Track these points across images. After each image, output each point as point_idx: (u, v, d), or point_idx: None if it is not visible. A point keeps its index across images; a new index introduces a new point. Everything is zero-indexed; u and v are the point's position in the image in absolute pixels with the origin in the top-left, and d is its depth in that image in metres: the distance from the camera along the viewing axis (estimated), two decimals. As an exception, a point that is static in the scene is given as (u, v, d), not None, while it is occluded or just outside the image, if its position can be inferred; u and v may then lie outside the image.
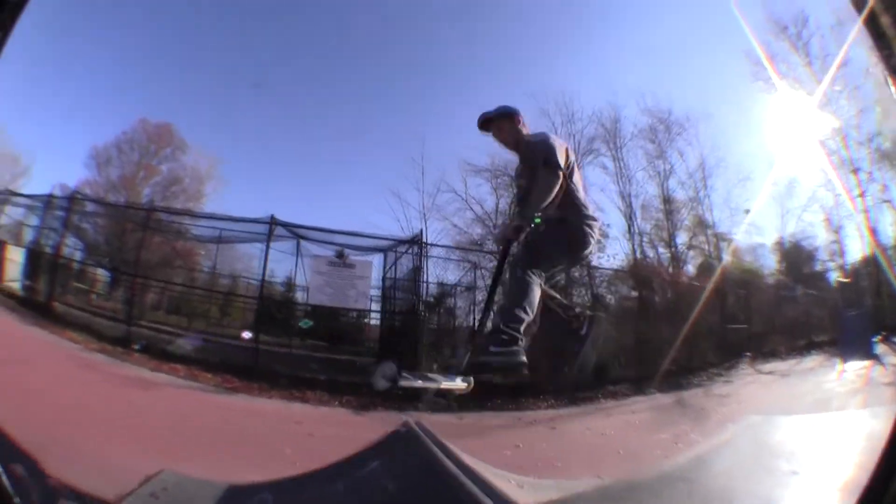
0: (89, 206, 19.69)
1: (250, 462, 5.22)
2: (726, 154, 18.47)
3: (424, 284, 13.56)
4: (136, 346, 11.81)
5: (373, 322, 18.70)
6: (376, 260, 15.22)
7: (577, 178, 4.30)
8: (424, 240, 14.05)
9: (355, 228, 14.70)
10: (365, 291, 11.82)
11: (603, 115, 19.44)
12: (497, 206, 18.53)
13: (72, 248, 20.07)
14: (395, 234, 14.97)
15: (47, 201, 18.42)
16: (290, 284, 17.05)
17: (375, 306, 15.95)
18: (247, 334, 14.11)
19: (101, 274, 23.68)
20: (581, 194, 4.26)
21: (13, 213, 24.19)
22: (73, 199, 18.42)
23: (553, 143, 4.13)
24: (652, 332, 14.05)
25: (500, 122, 4.48)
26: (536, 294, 4.02)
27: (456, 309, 16.04)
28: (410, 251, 14.12)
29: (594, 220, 4.34)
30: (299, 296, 19.53)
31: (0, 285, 18.45)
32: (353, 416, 8.37)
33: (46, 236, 20.08)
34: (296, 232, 14.39)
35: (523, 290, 3.96)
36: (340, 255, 12.21)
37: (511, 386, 10.46)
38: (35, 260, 20.85)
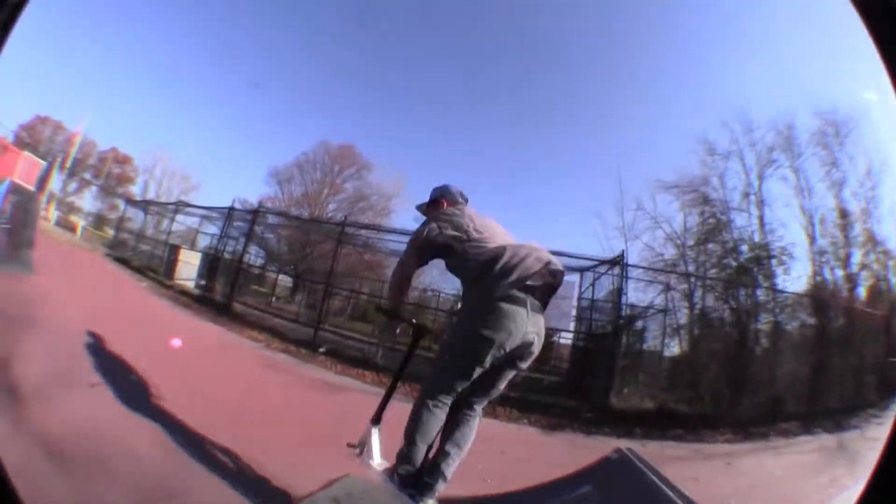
0: (271, 219, 21.01)
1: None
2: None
3: (624, 307, 13.08)
4: (322, 349, 12.10)
5: (561, 341, 18.72)
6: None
7: (485, 233, 3.34)
8: (625, 261, 13.42)
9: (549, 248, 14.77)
10: (568, 312, 11.70)
11: (778, 122, 18.14)
12: (685, 224, 17.91)
13: (251, 255, 21.59)
14: (595, 255, 14.39)
15: (228, 212, 19.84)
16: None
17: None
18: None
19: (282, 279, 24.95)
20: (485, 256, 3.16)
21: (186, 221, 26.35)
22: (257, 212, 19.62)
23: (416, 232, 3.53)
24: (825, 364, 12.85)
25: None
26: (433, 429, 3.27)
27: (646, 332, 15.18)
28: (610, 272, 13.71)
29: (506, 295, 3.03)
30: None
31: (172, 283, 19.99)
32: (543, 435, 8.15)
33: (224, 243, 21.55)
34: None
35: (415, 422, 3.27)
36: (544, 275, 12.32)
37: (693, 416, 10.35)
38: (211, 263, 22.26)
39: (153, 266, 24.24)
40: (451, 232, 3.27)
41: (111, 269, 20.42)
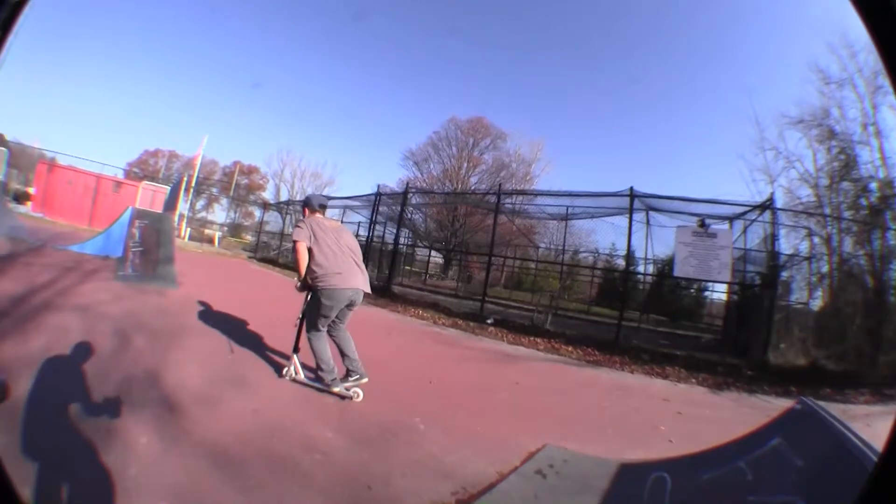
0: (415, 199, 20.75)
1: (626, 437, 4.97)
2: None
3: (777, 254, 11.98)
4: (489, 321, 12.10)
5: (714, 296, 17.43)
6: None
7: (322, 243, 5.20)
8: (774, 204, 12.33)
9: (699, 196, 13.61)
10: (726, 262, 10.76)
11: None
12: (815, 162, 16.01)
13: (400, 236, 21.13)
14: (744, 200, 13.44)
15: (376, 198, 19.82)
16: (632, 257, 16.46)
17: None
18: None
19: (434, 257, 25.17)
20: (318, 256, 5.15)
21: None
22: (405, 193, 19.57)
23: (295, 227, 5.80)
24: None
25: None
26: (321, 345, 5.18)
27: (793, 283, 13.87)
28: (761, 218, 12.62)
29: (321, 274, 5.12)
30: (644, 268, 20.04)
31: None
32: (712, 395, 7.78)
33: (371, 228, 21.64)
34: (648, 203, 13.97)
35: (312, 348, 5.20)
36: (702, 225, 11.30)
37: (838, 374, 9.50)
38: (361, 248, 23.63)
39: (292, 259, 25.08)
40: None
41: (256, 269, 21.67)
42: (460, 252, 30.72)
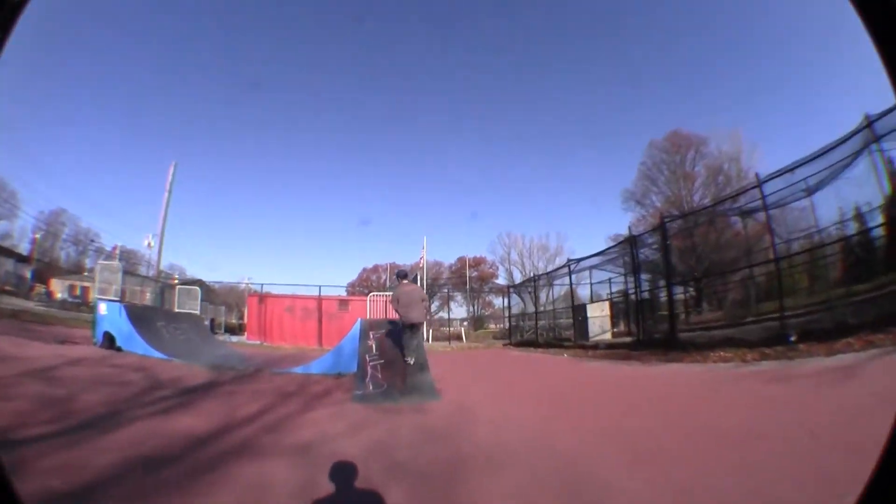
0: (648, 239, 19.08)
1: None
2: None
3: None
4: (792, 338, 10.07)
5: None
6: None
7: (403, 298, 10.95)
8: None
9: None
10: None
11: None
12: None
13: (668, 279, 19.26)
14: None
15: (630, 243, 18.60)
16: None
17: None
18: None
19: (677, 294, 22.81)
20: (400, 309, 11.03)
21: (565, 282, 26.45)
22: (633, 240, 18.37)
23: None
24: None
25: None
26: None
27: None
28: None
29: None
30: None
31: (590, 342, 20.00)
32: None
33: (634, 279, 20.10)
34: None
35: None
36: None
37: None
38: (619, 306, 22.04)
39: (559, 336, 23.91)
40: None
41: (518, 355, 20.04)
42: (713, 277, 27.47)
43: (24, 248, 58.90)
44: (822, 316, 11.47)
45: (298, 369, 12.53)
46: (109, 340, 15.10)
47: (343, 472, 4.39)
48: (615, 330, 21.49)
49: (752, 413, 5.90)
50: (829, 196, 13.80)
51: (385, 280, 69.37)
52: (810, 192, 13.72)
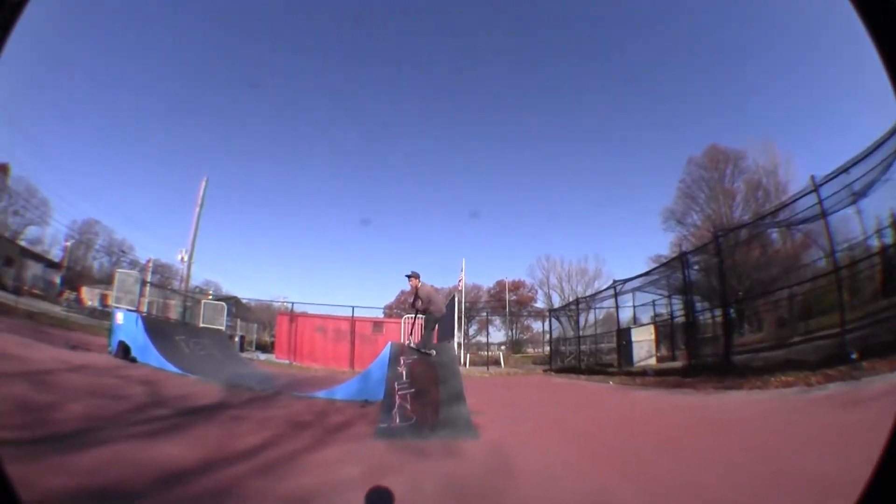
0: (691, 259, 17.85)
1: None
2: None
3: None
4: (853, 357, 9.22)
5: None
6: None
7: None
8: None
9: None
10: None
11: None
12: None
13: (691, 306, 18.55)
14: None
15: (682, 261, 17.56)
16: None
17: None
18: None
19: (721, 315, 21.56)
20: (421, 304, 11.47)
21: (604, 304, 25.72)
22: (684, 258, 17.42)
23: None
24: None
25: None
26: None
27: None
28: None
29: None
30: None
31: (635, 368, 19.00)
32: None
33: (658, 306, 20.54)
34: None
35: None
36: None
37: None
38: (665, 330, 21.00)
39: (600, 361, 22.83)
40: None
41: (562, 383, 19.10)
42: (756, 296, 25.94)
43: (55, 255, 60.41)
44: (877, 329, 10.43)
45: (321, 394, 11.66)
46: (124, 350, 14.79)
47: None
48: (658, 354, 20.55)
49: (841, 449, 4.73)
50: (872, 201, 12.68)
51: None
52: (857, 196, 12.53)
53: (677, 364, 17.31)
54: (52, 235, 63.61)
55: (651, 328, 21.07)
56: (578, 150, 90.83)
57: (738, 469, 4.92)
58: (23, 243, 54.47)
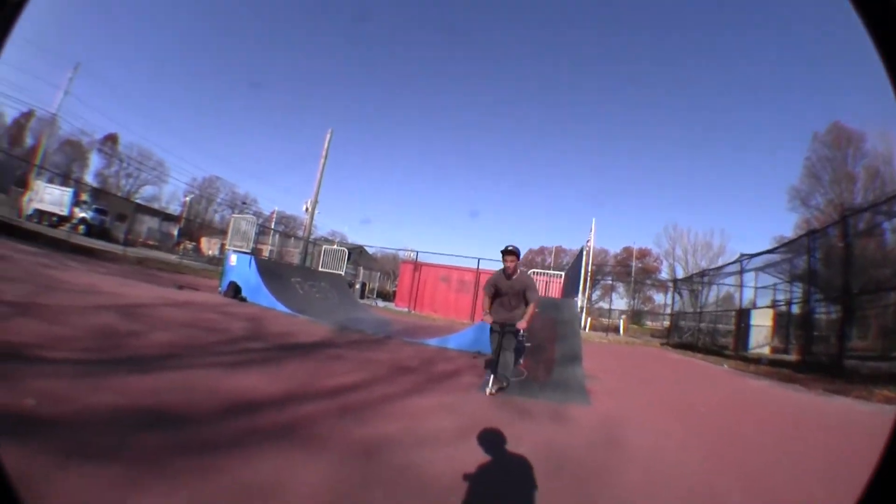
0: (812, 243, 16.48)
1: None
2: None
3: None
4: None
5: None
6: None
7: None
8: None
9: None
10: None
11: None
12: None
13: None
14: None
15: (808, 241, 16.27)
16: None
17: None
18: None
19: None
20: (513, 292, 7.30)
21: (726, 281, 24.06)
22: (813, 235, 16.17)
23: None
24: None
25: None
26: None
27: None
28: None
29: None
30: None
31: (750, 354, 17.85)
32: None
33: (778, 292, 18.87)
34: None
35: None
36: None
37: None
38: (783, 318, 19.24)
39: (717, 342, 21.35)
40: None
41: (678, 359, 18.16)
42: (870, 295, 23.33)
43: (174, 210, 66.41)
44: None
45: (433, 341, 11.25)
46: (234, 290, 15.20)
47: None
48: (772, 345, 18.95)
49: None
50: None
51: (549, 262, 69.52)
52: None
53: (790, 357, 16.07)
54: (170, 192, 69.23)
55: (770, 313, 19.40)
56: (710, 119, 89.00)
57: (845, 483, 3.85)
58: (138, 201, 59.53)
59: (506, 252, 7.01)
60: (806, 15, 72.55)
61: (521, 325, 6.77)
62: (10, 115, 54.10)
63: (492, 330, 7.17)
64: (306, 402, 4.89)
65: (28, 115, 55.72)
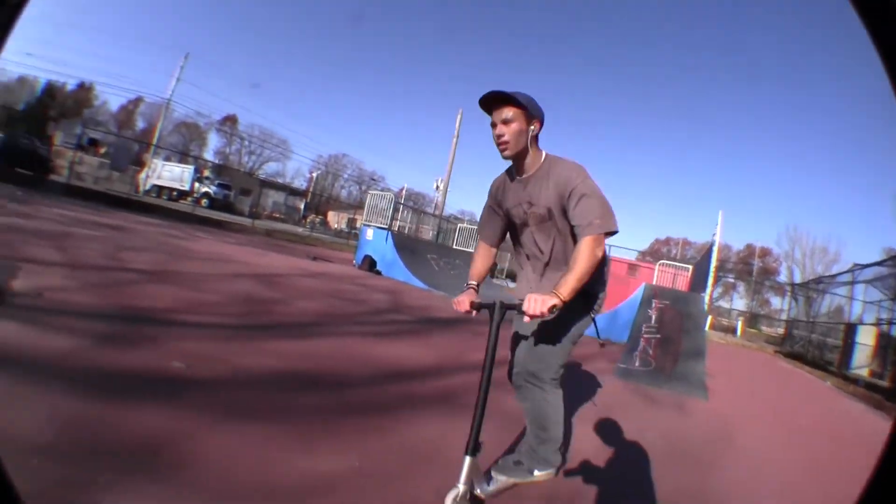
0: None
1: None
2: None
3: None
4: None
5: None
6: None
7: None
8: None
9: None
10: None
11: None
12: None
13: None
14: None
15: None
16: None
17: None
18: None
19: None
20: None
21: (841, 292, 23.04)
22: None
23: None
24: None
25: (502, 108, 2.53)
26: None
27: None
28: None
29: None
30: None
31: (853, 374, 17.01)
32: None
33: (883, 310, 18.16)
34: None
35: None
36: None
37: None
38: (882, 340, 18.37)
39: (824, 356, 20.63)
40: None
41: (791, 370, 17.83)
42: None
43: (299, 184, 69.60)
44: None
45: None
46: (370, 264, 15.73)
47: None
48: (871, 367, 17.96)
49: None
50: None
51: (675, 254, 68.95)
52: None
53: (884, 383, 15.46)
54: (294, 168, 72.24)
55: (874, 332, 18.41)
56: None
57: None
58: (261, 176, 62.17)
59: (488, 101, 2.57)
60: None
61: (550, 303, 2.42)
62: (118, 102, 58.19)
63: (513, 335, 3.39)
64: (458, 373, 5.38)
65: (136, 101, 60.69)
